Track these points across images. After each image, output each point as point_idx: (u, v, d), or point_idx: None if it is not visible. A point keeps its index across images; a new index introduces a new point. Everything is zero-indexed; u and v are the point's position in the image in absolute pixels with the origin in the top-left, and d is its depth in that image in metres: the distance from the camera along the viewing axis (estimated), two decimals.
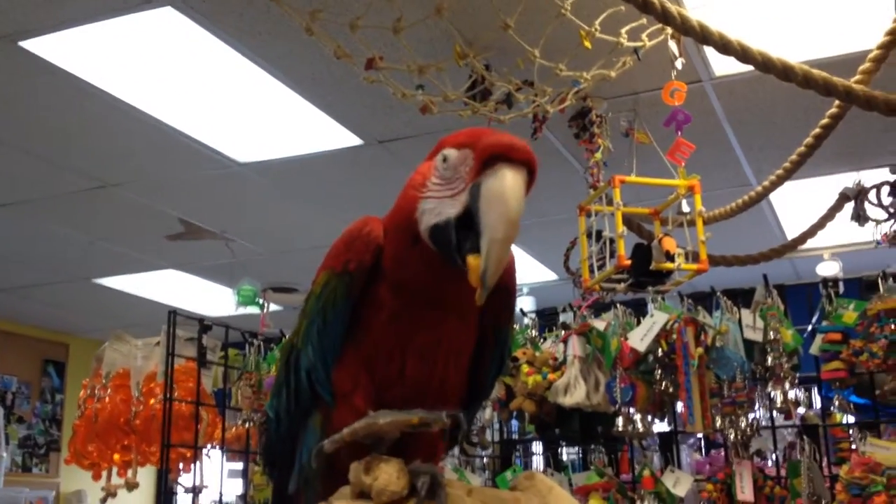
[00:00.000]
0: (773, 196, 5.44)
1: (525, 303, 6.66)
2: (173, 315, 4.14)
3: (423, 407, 1.34)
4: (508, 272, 1.51)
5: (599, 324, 3.72)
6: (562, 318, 4.21)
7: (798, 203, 5.65)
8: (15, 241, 6.40)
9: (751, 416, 3.52)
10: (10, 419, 8.63)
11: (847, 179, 4.63)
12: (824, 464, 3.70)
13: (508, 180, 1.26)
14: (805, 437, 3.59)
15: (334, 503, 1.30)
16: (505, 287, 1.51)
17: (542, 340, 4.07)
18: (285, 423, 1.52)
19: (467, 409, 1.55)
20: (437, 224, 1.31)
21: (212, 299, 7.67)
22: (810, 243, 4.59)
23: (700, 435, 4.32)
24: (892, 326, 3.24)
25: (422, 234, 1.34)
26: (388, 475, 1.26)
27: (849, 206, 4.50)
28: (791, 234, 5.17)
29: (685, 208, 3.46)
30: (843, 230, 4.82)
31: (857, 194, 4.45)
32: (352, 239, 1.43)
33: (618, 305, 3.82)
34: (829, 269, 5.53)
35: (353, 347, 1.43)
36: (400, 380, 1.40)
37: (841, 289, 3.99)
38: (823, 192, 4.81)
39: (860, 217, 4.44)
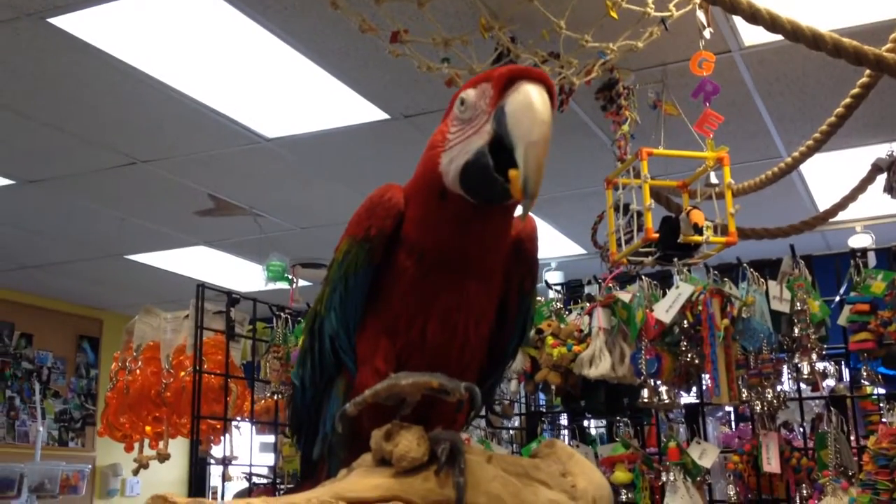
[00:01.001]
0: (804, 168, 5.39)
1: (553, 277, 6.66)
2: (202, 288, 4.18)
3: (445, 372, 1.34)
4: (531, 239, 1.52)
5: (624, 296, 3.70)
6: (587, 290, 4.19)
7: (830, 175, 5.58)
8: (48, 218, 6.49)
9: (778, 387, 3.49)
10: (47, 394, 8.79)
11: (880, 150, 4.57)
12: (852, 436, 3.67)
13: (532, 90, 1.27)
14: (832, 408, 3.56)
15: (356, 468, 1.31)
16: (528, 253, 1.52)
17: (567, 313, 4.06)
18: (310, 391, 1.53)
19: (489, 375, 1.56)
20: (467, 162, 1.31)
21: (242, 275, 7.74)
22: (842, 216, 4.54)
23: (729, 409, 4.30)
24: None
25: (450, 186, 1.33)
26: (409, 442, 1.27)
27: (881, 178, 4.44)
28: (823, 206, 5.12)
29: (713, 180, 3.43)
30: (876, 202, 4.77)
31: (890, 165, 4.39)
32: (373, 206, 1.44)
33: (643, 277, 3.80)
34: (861, 241, 5.47)
35: (375, 313, 1.43)
36: (421, 344, 1.41)
37: (872, 261, 3.94)
38: (856, 164, 4.76)
39: (893, 189, 4.38)
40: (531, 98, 1.25)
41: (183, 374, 4.24)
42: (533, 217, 1.52)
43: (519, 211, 1.30)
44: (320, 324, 1.50)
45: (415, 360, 1.41)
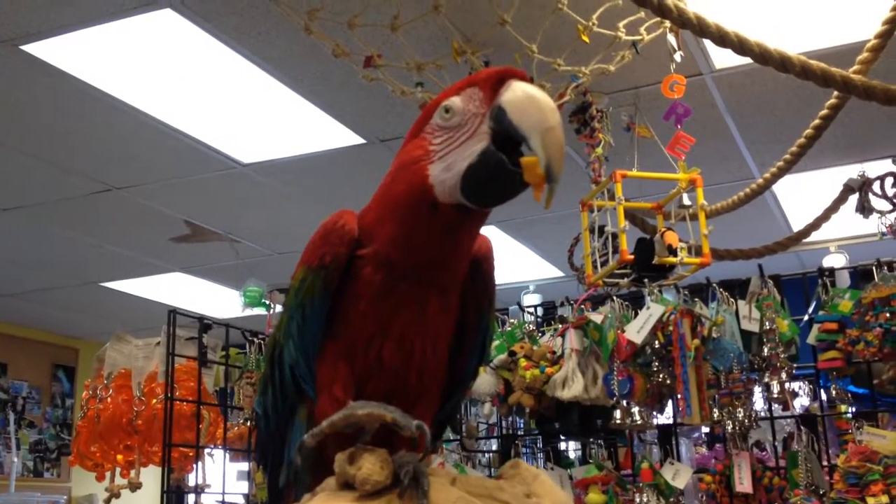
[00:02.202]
0: (778, 189, 5.44)
1: (531, 299, 6.65)
2: (173, 315, 4.15)
3: (405, 395, 1.35)
4: (487, 258, 1.51)
5: (596, 317, 3.71)
6: (559, 311, 4.20)
7: (804, 196, 5.63)
8: (23, 246, 6.44)
9: (750, 407, 3.51)
10: (21, 424, 8.67)
11: (852, 171, 4.62)
12: (825, 455, 3.68)
13: (525, 85, 1.28)
14: (803, 427, 3.57)
15: (319, 493, 1.30)
16: (485, 272, 1.51)
17: (540, 335, 4.06)
18: (273, 419, 1.53)
19: (450, 396, 1.55)
20: (470, 165, 1.29)
21: (219, 301, 7.69)
22: (816, 236, 4.58)
23: (706, 429, 4.31)
24: (887, 315, 3.22)
25: (444, 196, 1.31)
26: (372, 465, 1.26)
27: (854, 198, 4.49)
28: (797, 227, 5.16)
29: (686, 202, 3.45)
30: (850, 222, 4.81)
31: (862, 186, 4.43)
32: (327, 233, 1.44)
33: (614, 298, 3.81)
34: (835, 261, 5.50)
35: (333, 339, 1.43)
36: (379, 368, 1.40)
37: (846, 280, 3.97)
38: (829, 185, 4.80)
39: (864, 209, 4.42)
40: (529, 91, 1.27)
41: (154, 401, 4.20)
42: (488, 237, 1.52)
43: (542, 198, 1.28)
44: (279, 352, 1.50)
45: (373, 383, 1.40)
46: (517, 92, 1.28)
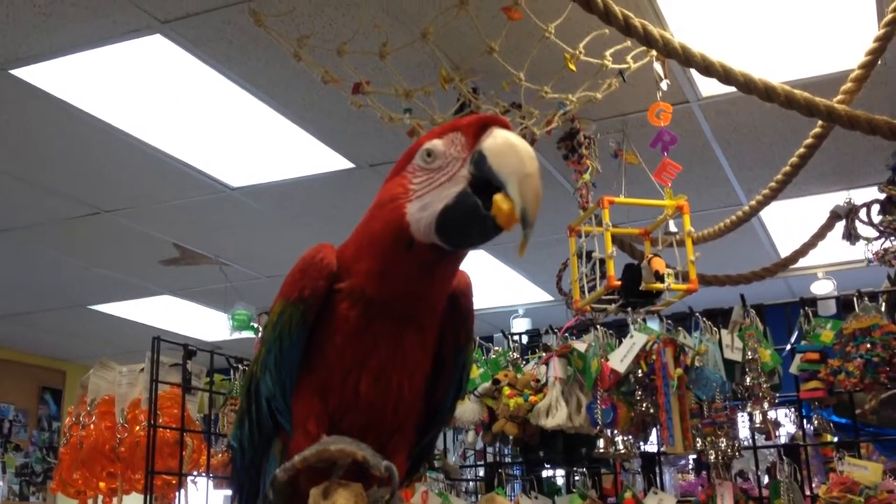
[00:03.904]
0: (766, 216, 5.47)
1: (520, 324, 6.66)
2: (157, 341, 4.13)
3: (381, 430, 1.36)
4: (465, 293, 1.52)
5: (580, 345, 3.71)
6: (544, 339, 4.20)
7: (791, 222, 5.66)
8: (10, 268, 6.41)
9: (733, 436, 3.50)
10: (7, 447, 8.60)
11: (839, 198, 4.65)
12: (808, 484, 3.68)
13: (507, 133, 1.31)
14: (785, 457, 3.57)
15: None
16: (463, 306, 1.52)
17: (524, 362, 4.05)
18: (249, 452, 1.52)
19: (426, 431, 1.55)
20: (446, 206, 1.31)
21: (207, 324, 7.67)
22: (805, 262, 4.60)
23: (692, 457, 4.30)
24: (868, 345, 3.22)
25: (419, 234, 1.33)
26: (346, 500, 1.26)
27: (840, 225, 4.52)
28: (785, 253, 5.18)
29: (672, 228, 3.47)
30: (838, 249, 4.84)
31: (848, 213, 4.47)
32: (306, 267, 1.44)
33: (598, 327, 3.82)
34: (822, 287, 5.53)
35: (309, 373, 1.43)
36: (355, 402, 1.40)
37: (832, 309, 3.99)
38: (816, 211, 4.83)
39: (851, 235, 4.46)
40: (510, 139, 1.29)
41: (137, 428, 4.17)
42: (467, 272, 1.52)
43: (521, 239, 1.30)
44: (256, 385, 1.49)
45: (349, 418, 1.40)
46: (498, 139, 1.30)
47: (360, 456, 1.30)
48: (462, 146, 1.34)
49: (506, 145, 1.29)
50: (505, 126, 1.33)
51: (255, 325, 6.01)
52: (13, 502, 8.49)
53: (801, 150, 3.26)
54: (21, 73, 3.84)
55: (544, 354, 3.87)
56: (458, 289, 1.50)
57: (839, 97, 2.87)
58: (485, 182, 1.29)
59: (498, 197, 1.27)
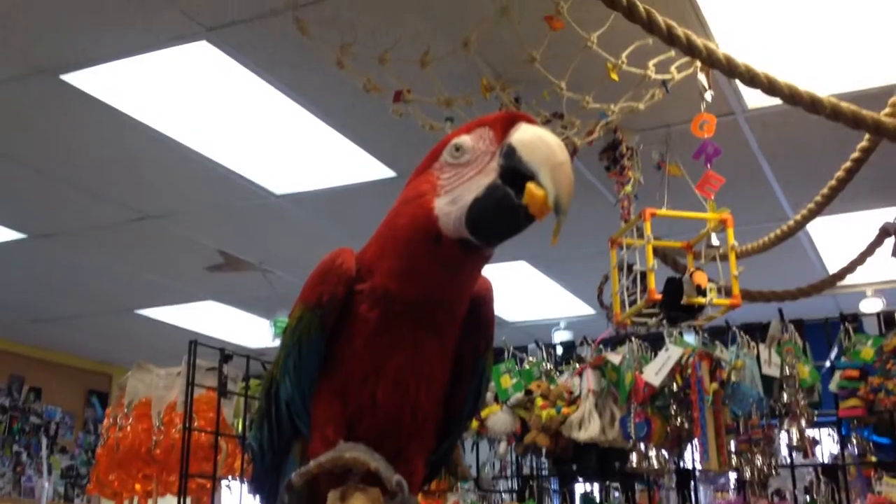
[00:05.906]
0: (814, 232, 5.37)
1: (561, 337, 6.61)
2: (194, 344, 4.16)
3: (398, 435, 1.35)
4: (486, 300, 1.50)
5: (614, 357, 3.66)
6: (578, 350, 4.15)
7: (839, 238, 5.55)
8: (59, 272, 6.53)
9: (770, 453, 3.42)
10: (54, 449, 8.73)
11: (889, 214, 4.54)
12: None
13: (537, 127, 1.31)
14: (823, 476, 3.48)
15: None
16: (484, 313, 1.51)
17: (558, 374, 4.01)
18: (269, 455, 1.52)
19: (444, 438, 1.54)
20: (476, 198, 1.30)
21: (251, 330, 7.73)
22: (853, 279, 4.50)
23: (733, 475, 4.22)
24: None
25: (449, 229, 1.31)
26: None
27: (889, 241, 4.41)
28: (833, 269, 5.08)
29: (715, 242, 3.41)
30: (889, 266, 4.72)
31: None
32: (325, 272, 1.44)
33: (633, 339, 3.76)
34: (871, 305, 5.41)
35: (328, 377, 1.43)
36: (373, 408, 1.39)
37: (877, 326, 3.90)
38: (865, 227, 4.72)
39: None
40: (539, 131, 1.30)
41: (173, 431, 4.20)
42: (489, 278, 1.50)
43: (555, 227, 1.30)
44: (276, 389, 1.50)
45: (367, 423, 1.40)
46: (527, 131, 1.30)
47: (373, 466, 1.30)
48: (490, 140, 1.33)
49: (535, 136, 1.29)
50: (531, 122, 1.33)
51: None
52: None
53: (848, 164, 3.19)
54: (70, 78, 3.91)
55: (578, 366, 3.82)
56: (479, 295, 1.49)
57: (887, 110, 2.81)
58: (513, 175, 1.29)
59: (531, 185, 1.26)
